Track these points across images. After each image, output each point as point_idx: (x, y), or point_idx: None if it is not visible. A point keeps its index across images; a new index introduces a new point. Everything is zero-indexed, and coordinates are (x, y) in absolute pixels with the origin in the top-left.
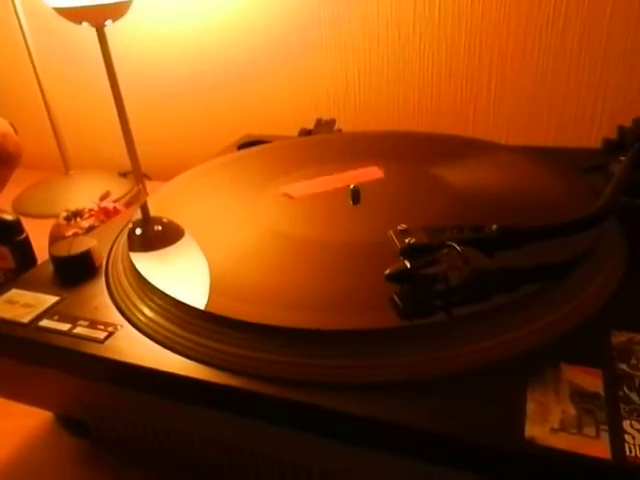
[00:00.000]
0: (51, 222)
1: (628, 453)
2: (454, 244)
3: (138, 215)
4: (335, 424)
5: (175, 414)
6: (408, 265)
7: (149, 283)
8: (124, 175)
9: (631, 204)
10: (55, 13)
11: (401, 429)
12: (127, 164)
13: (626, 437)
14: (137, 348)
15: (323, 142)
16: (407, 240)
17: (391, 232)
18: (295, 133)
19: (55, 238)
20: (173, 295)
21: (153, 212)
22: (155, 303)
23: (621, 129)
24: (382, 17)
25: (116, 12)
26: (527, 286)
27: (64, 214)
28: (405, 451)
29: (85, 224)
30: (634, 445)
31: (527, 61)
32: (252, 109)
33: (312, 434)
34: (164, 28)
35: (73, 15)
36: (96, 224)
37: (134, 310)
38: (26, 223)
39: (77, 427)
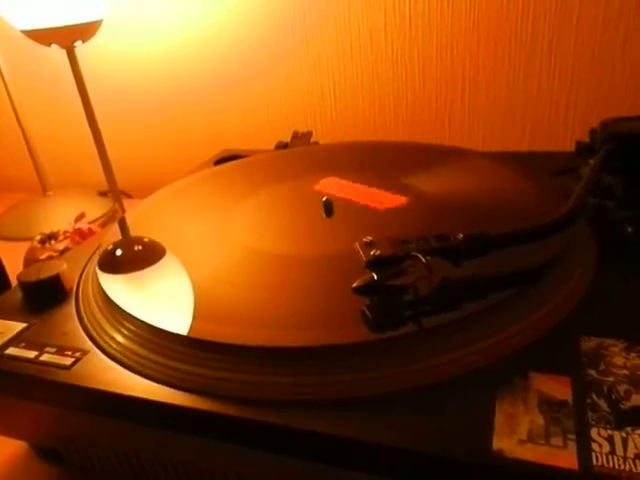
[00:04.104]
0: (29, 245)
1: (595, 462)
2: (419, 255)
3: (111, 235)
4: (303, 443)
5: (147, 440)
6: (375, 277)
7: (116, 305)
8: (104, 194)
9: (601, 206)
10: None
11: (366, 446)
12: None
13: (593, 446)
14: (106, 373)
15: (300, 155)
16: (372, 252)
17: (357, 244)
18: (272, 147)
19: (29, 262)
20: (141, 317)
21: (128, 231)
22: (124, 326)
23: (592, 132)
24: (354, 27)
25: (85, 33)
26: (497, 294)
27: (38, 237)
28: (372, 468)
29: (60, 246)
30: (601, 454)
31: (499, 67)
32: (228, 124)
33: (285, 455)
34: (137, 46)
35: (41, 37)
36: (71, 246)
37: (102, 334)
38: (3, 247)
39: (51, 455)
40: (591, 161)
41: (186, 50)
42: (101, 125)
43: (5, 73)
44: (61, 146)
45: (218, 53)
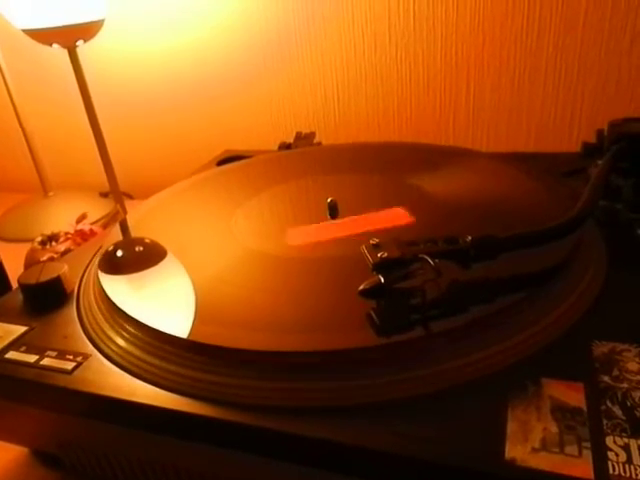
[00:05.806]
0: (29, 246)
1: (611, 471)
2: (426, 257)
3: (113, 236)
4: (306, 450)
5: (149, 446)
6: (382, 280)
7: (118, 308)
8: (105, 195)
9: (610, 208)
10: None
11: (372, 453)
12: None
13: (609, 454)
14: (107, 378)
15: (303, 155)
16: (379, 254)
17: (363, 247)
18: (275, 147)
19: (30, 263)
20: (143, 320)
21: (129, 232)
22: (125, 330)
23: (599, 132)
24: (357, 29)
25: (87, 32)
26: (505, 297)
27: (39, 238)
28: (378, 476)
29: (61, 248)
30: (617, 463)
31: (504, 67)
32: (231, 125)
33: (291, 462)
34: (140, 46)
35: (43, 37)
36: (72, 248)
37: (104, 338)
38: (4, 248)
39: (52, 460)
40: (599, 162)
41: (189, 51)
42: (103, 126)
43: (6, 73)
44: (62, 147)
45: (221, 54)
